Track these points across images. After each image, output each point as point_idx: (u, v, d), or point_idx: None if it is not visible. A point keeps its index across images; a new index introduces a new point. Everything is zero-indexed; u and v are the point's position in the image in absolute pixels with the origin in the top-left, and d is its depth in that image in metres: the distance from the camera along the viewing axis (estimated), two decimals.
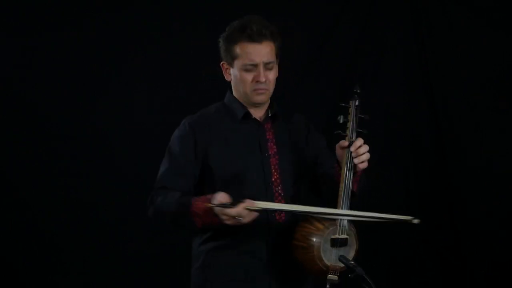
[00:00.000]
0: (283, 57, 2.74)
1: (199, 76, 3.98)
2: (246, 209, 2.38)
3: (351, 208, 2.52)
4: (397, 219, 2.52)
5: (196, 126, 2.66)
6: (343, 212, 2.50)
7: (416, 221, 2.52)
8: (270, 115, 2.72)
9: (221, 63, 2.70)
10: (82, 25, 3.96)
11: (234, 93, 2.72)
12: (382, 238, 3.98)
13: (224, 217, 2.40)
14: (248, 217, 2.40)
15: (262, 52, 2.60)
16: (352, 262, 2.41)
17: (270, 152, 2.67)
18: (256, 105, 2.68)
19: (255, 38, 2.59)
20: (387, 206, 3.97)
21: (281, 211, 2.56)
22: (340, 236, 2.51)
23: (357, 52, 4.23)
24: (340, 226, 2.51)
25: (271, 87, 2.66)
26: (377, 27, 4.24)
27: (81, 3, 3.97)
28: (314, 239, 2.49)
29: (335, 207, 2.52)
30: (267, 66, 2.62)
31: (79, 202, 3.95)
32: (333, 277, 2.44)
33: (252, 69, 2.61)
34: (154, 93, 4.02)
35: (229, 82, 2.73)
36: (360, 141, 2.53)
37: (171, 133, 2.73)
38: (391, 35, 4.24)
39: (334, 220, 2.51)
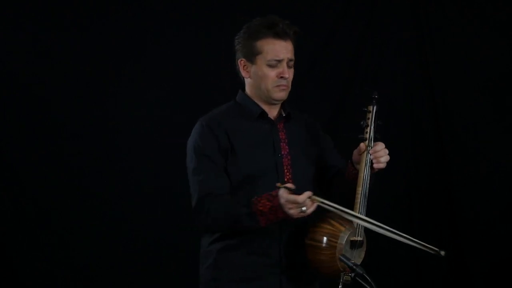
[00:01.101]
0: None
1: (206, 76, 3.99)
2: (309, 199, 2.39)
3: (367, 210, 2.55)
4: (426, 247, 2.53)
5: (213, 125, 2.64)
6: (386, 227, 2.50)
7: (443, 253, 2.53)
8: (284, 115, 2.72)
9: (239, 60, 2.68)
10: (93, 26, 3.98)
11: (249, 91, 2.71)
12: (381, 237, 3.98)
13: (289, 206, 2.39)
14: (310, 208, 2.40)
15: (287, 49, 2.63)
16: (353, 261, 2.42)
17: (283, 152, 2.67)
18: (274, 102, 2.68)
19: (282, 35, 2.62)
20: (387, 206, 4.04)
21: (336, 210, 2.48)
22: (358, 238, 2.54)
23: (359, 52, 4.24)
24: (358, 228, 2.54)
25: (290, 85, 2.68)
26: (378, 28, 4.25)
27: (90, 4, 3.98)
28: (337, 241, 2.50)
29: (348, 207, 2.53)
30: (289, 64, 2.65)
31: (87, 201, 3.95)
32: (347, 277, 2.45)
33: (276, 65, 2.62)
34: (163, 93, 4.02)
35: (242, 82, 2.73)
36: (380, 146, 2.56)
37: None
38: (392, 36, 4.25)
39: (351, 220, 2.53)
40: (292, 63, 2.65)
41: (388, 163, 2.62)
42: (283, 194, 2.41)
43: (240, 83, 2.77)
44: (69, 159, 3.95)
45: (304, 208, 2.39)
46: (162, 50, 4.04)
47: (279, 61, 2.62)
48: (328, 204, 2.44)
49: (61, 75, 3.94)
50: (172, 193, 3.81)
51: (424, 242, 2.52)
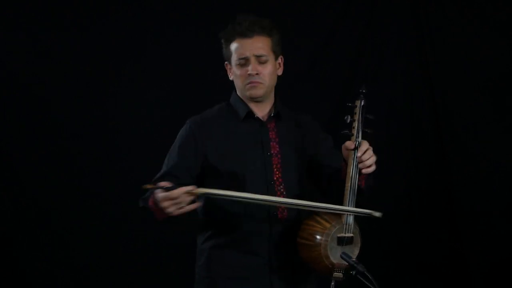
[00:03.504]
0: (286, 57, 2.76)
1: (206, 76, 3.98)
2: (186, 193, 2.35)
3: (358, 206, 2.53)
4: (358, 212, 2.53)
5: (197, 126, 2.68)
6: (304, 204, 2.50)
7: (377, 214, 2.52)
8: (273, 114, 2.72)
9: (225, 63, 2.74)
10: (93, 26, 3.98)
11: (237, 92, 2.74)
12: (382, 236, 3.98)
13: (164, 204, 2.36)
14: (191, 203, 2.37)
15: (252, 46, 2.64)
16: (354, 259, 2.42)
17: (272, 151, 2.67)
18: (255, 99, 2.69)
19: (245, 33, 2.64)
20: (387, 205, 4.03)
21: (229, 198, 2.47)
22: (346, 235, 2.53)
23: (359, 52, 4.24)
24: (346, 224, 2.53)
25: (266, 81, 2.66)
26: (378, 28, 4.24)
27: (90, 4, 3.98)
28: (321, 237, 2.50)
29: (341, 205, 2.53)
30: (259, 59, 2.65)
31: (87, 201, 3.95)
32: (338, 274, 2.46)
33: (245, 63, 2.65)
34: (163, 93, 4.02)
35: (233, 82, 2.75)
36: (365, 146, 2.54)
37: (178, 133, 2.73)
38: (392, 36, 4.25)
39: (340, 217, 2.53)
40: (264, 58, 2.65)
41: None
42: (158, 193, 2.38)
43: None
44: (69, 159, 3.95)
45: (182, 204, 2.34)
46: (162, 50, 4.04)
47: (245, 59, 2.64)
48: (218, 194, 2.40)
49: (61, 75, 3.95)
50: None
51: (356, 208, 2.52)
